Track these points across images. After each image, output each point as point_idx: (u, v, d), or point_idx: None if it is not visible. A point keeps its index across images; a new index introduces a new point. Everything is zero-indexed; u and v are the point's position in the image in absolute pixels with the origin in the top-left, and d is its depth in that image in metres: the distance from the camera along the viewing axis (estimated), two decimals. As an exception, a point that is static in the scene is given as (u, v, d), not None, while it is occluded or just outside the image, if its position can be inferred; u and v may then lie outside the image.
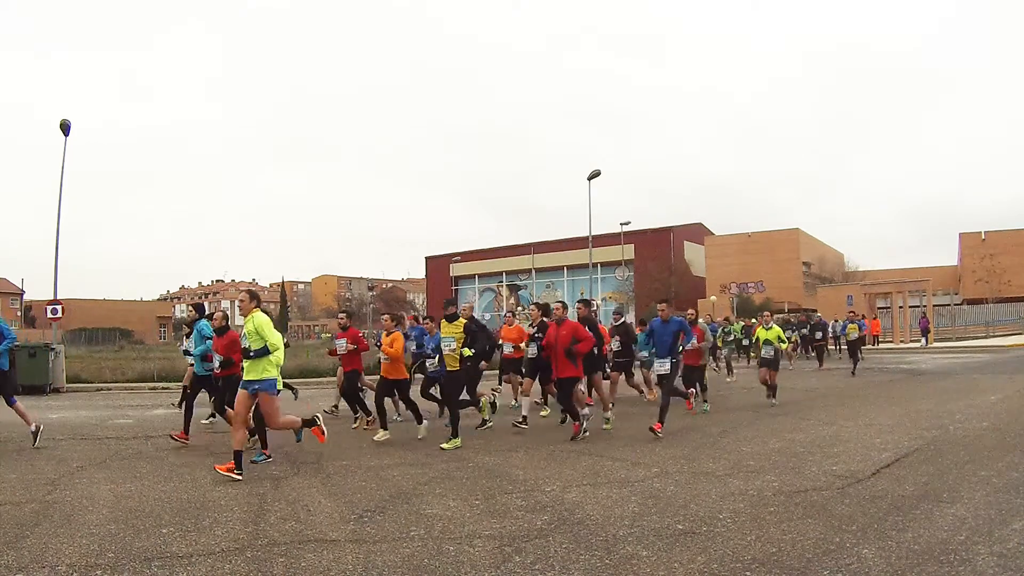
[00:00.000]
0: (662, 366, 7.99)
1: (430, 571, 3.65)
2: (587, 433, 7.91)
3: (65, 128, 17.72)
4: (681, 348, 8.23)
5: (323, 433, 6.79)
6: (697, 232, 57.42)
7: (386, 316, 8.95)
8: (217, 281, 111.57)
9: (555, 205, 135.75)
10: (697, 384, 10.54)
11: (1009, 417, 8.56)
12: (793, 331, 19.96)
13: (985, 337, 33.52)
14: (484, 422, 8.90)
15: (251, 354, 6.08)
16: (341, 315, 10.20)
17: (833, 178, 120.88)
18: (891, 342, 31.74)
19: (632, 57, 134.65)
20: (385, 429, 8.08)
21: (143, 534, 4.35)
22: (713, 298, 46.11)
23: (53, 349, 15.31)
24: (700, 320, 11.14)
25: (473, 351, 7.66)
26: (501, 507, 4.94)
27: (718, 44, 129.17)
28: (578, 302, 9.50)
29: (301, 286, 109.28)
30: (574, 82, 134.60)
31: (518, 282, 63.29)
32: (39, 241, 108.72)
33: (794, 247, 51.39)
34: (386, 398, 8.68)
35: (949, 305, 42.44)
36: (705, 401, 10.60)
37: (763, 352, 11.04)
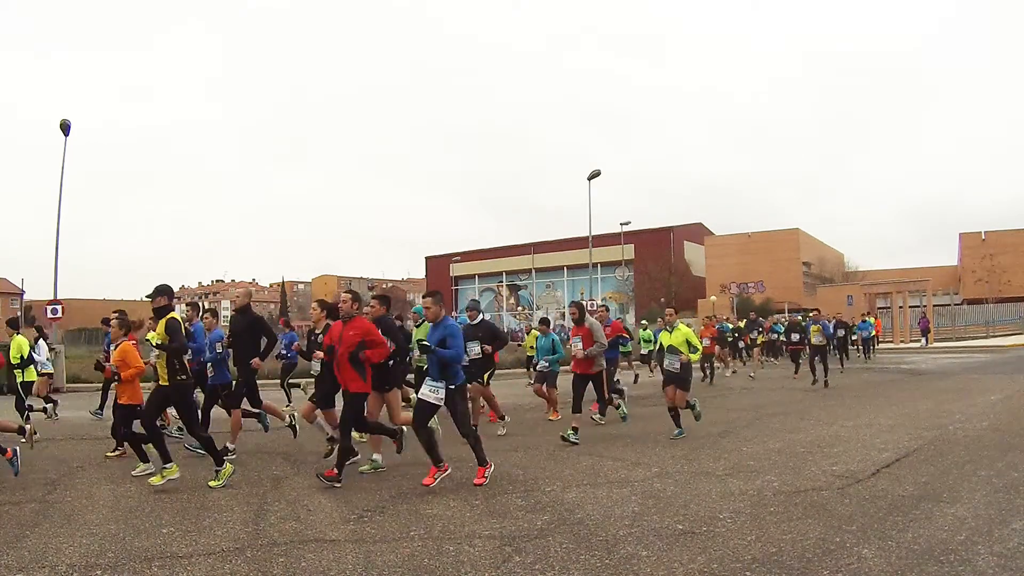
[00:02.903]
0: (433, 392, 5.66)
1: (430, 571, 3.65)
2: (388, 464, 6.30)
3: (65, 128, 17.73)
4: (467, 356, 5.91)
5: None
6: (697, 232, 57.40)
7: (113, 320, 6.49)
8: (217, 281, 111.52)
9: (555, 205, 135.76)
10: (604, 393, 8.32)
11: (1009, 417, 8.56)
12: (759, 332, 18.62)
13: (985, 337, 33.50)
14: (225, 449, 6.80)
15: None
16: (114, 314, 7.10)
17: (833, 178, 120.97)
18: (891, 342, 31.73)
19: (632, 57, 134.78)
20: (145, 462, 6.28)
21: (143, 534, 4.35)
22: (713, 298, 46.11)
23: (53, 349, 15.29)
24: (592, 319, 8.39)
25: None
26: (501, 507, 4.94)
27: (718, 44, 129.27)
28: (373, 297, 7.30)
29: (301, 286, 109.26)
30: (574, 82, 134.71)
31: (518, 282, 63.29)
32: (39, 241, 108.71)
33: (794, 247, 51.37)
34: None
35: (949, 305, 42.41)
36: (616, 406, 9.11)
37: (666, 363, 8.02)
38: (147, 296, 6.06)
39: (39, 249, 55.58)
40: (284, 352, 9.78)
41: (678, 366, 7.82)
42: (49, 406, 10.38)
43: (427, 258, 70.10)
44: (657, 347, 8.61)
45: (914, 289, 35.39)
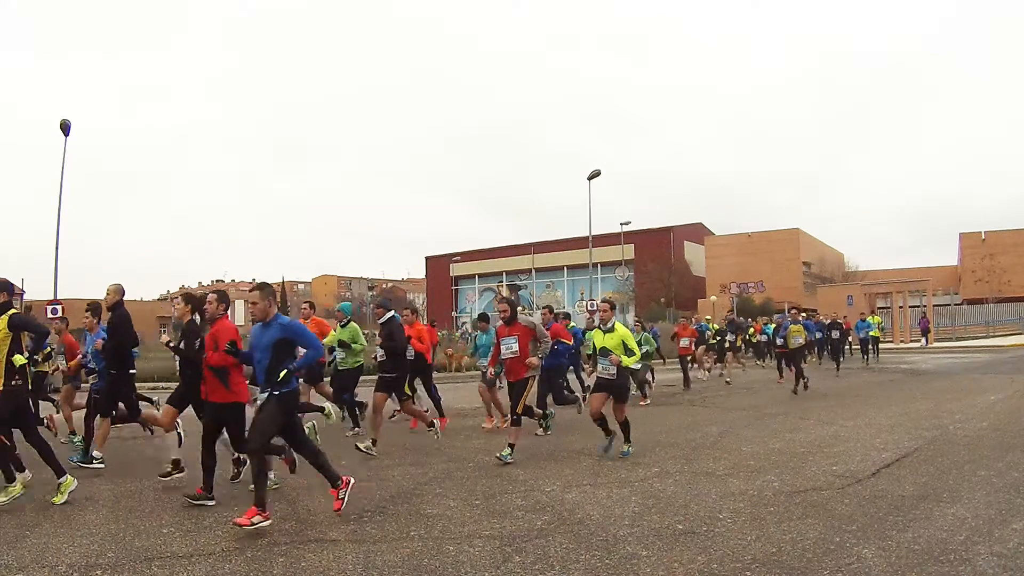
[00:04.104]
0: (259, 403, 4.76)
1: (430, 571, 3.65)
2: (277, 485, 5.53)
3: (65, 128, 17.75)
4: (293, 368, 4.79)
5: None
6: (697, 232, 57.41)
7: None
8: (217, 281, 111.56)
9: (555, 205, 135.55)
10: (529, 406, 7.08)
11: (1009, 417, 8.56)
12: (736, 335, 17.11)
13: (985, 337, 33.53)
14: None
15: None
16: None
17: (833, 178, 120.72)
18: (891, 342, 31.73)
19: (632, 57, 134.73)
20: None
21: (143, 534, 4.36)
22: (713, 298, 46.11)
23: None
24: (525, 316, 7.30)
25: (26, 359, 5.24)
26: (501, 507, 4.94)
27: (718, 44, 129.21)
28: (251, 290, 5.98)
29: (301, 286, 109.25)
30: (574, 82, 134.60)
31: (518, 282, 63.27)
32: (39, 241, 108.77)
33: (794, 247, 51.37)
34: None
35: (949, 305, 42.42)
36: (546, 426, 7.96)
37: (599, 368, 6.94)
38: None
39: (39, 249, 55.63)
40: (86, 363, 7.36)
41: (614, 371, 6.74)
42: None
43: (427, 258, 70.14)
44: (591, 348, 7.34)
45: (914, 289, 35.40)
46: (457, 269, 65.27)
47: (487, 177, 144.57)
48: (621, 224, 40.63)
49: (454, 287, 65.87)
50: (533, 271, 61.59)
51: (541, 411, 7.65)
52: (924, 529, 4.11)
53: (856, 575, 3.43)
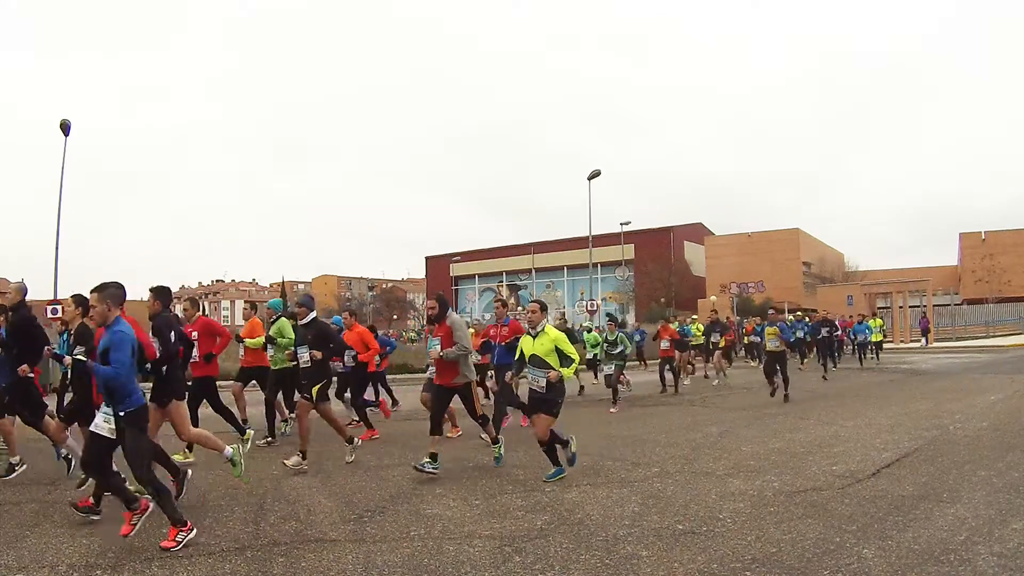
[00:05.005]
0: (106, 422, 4.27)
1: (430, 571, 3.65)
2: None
3: (65, 128, 17.75)
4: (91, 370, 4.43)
5: None
6: (697, 232, 57.42)
7: None
8: (217, 281, 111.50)
9: (555, 205, 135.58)
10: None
11: (1009, 417, 8.56)
12: (721, 334, 16.21)
13: (985, 337, 33.53)
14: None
15: None
16: None
17: (833, 178, 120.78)
18: (891, 342, 31.72)
19: (632, 57, 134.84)
20: None
21: (143, 534, 4.35)
22: (713, 298, 46.11)
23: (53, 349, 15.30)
24: (454, 315, 6.76)
25: None
26: (501, 507, 4.94)
27: (718, 44, 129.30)
28: (150, 290, 5.91)
29: (301, 286, 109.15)
30: (574, 82, 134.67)
31: (518, 282, 63.30)
32: (39, 241, 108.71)
33: (794, 247, 51.36)
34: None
35: (949, 305, 42.39)
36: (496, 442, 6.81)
37: (530, 380, 5.98)
38: None
39: (39, 249, 55.56)
40: None
41: (543, 383, 5.80)
42: None
43: (427, 258, 70.17)
44: (517, 356, 6.31)
45: (914, 289, 35.40)
46: (457, 269, 65.29)
47: (487, 177, 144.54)
48: (621, 224, 40.60)
49: (454, 287, 65.85)
50: (533, 271, 61.61)
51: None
52: (924, 529, 4.11)
53: (856, 575, 3.43)
